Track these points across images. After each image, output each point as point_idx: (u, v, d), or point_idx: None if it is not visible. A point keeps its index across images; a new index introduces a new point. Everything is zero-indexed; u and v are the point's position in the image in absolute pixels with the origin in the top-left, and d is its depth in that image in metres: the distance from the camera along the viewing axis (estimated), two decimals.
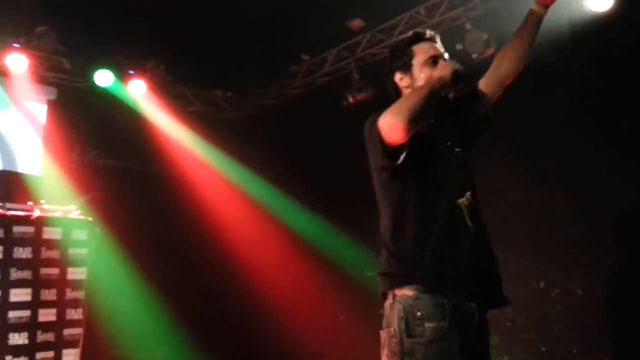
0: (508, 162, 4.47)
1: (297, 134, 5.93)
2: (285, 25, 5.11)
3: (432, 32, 2.28)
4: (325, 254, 5.29)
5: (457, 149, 2.16)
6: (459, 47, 4.56)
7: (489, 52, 4.48)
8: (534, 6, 2.30)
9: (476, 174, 2.28)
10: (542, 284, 4.34)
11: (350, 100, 5.42)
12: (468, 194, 2.11)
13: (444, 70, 2.12)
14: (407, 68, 2.23)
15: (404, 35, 2.33)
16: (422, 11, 5.01)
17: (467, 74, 2.12)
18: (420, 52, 2.22)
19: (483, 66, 4.46)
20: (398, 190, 2.11)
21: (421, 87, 2.08)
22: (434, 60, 2.20)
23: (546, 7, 2.30)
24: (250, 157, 5.86)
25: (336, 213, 5.30)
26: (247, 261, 5.62)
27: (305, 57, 5.91)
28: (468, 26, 4.59)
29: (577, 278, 4.17)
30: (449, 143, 2.16)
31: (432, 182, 2.08)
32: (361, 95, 5.38)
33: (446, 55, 2.26)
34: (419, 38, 2.26)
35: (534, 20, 2.31)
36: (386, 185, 2.14)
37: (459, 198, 2.08)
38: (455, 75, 2.09)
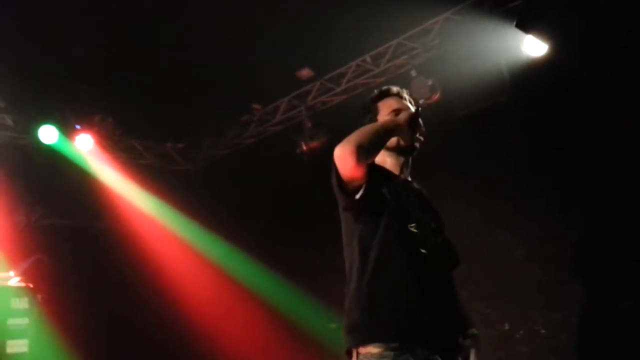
0: (462, 206, 4.54)
1: (251, 184, 5.87)
2: (234, 75, 5.12)
3: (398, 88, 2.35)
4: (282, 309, 5.15)
5: (432, 210, 2.21)
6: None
7: (435, 97, 4.61)
8: None
9: None
10: (506, 326, 4.35)
11: (304, 147, 5.45)
12: (443, 251, 2.12)
13: (400, 116, 2.21)
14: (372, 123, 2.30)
15: (373, 93, 2.40)
16: (368, 59, 5.13)
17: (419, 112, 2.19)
18: (384, 108, 2.30)
19: (430, 111, 4.64)
20: (365, 231, 2.07)
21: (375, 124, 2.18)
22: (396, 113, 2.27)
23: None
24: (203, 209, 5.73)
25: (290, 265, 5.21)
26: (202, 320, 5.41)
27: (256, 106, 5.92)
28: (413, 73, 4.72)
29: (539, 319, 4.20)
30: (423, 203, 2.20)
31: (403, 232, 2.06)
32: (314, 143, 5.41)
33: (412, 108, 2.31)
34: (385, 94, 2.33)
35: None
36: (350, 222, 2.11)
37: (432, 253, 2.06)
38: (412, 120, 2.16)
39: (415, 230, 2.06)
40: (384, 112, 2.28)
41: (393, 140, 2.21)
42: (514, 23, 3.67)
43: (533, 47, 4.01)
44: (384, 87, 2.37)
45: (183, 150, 6.49)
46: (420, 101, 4.68)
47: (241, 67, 4.98)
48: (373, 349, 1.94)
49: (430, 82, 4.61)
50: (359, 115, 2.37)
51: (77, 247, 5.38)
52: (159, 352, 5.29)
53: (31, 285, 4.17)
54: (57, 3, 4.18)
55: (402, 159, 2.24)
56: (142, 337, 5.27)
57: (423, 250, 2.03)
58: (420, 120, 2.20)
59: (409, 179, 2.29)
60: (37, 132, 5.27)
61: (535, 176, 4.20)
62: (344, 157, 1.94)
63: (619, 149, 3.77)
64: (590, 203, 3.93)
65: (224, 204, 5.80)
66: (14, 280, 4.15)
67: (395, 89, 2.34)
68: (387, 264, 2.02)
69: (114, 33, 4.60)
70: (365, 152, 1.95)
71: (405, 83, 4.77)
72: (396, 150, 2.24)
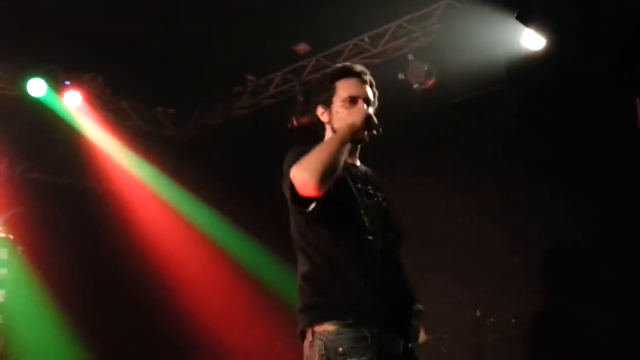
0: (446, 191, 4.58)
1: (240, 155, 5.85)
2: (231, 46, 5.07)
3: (362, 68, 2.23)
4: (263, 280, 5.18)
5: (378, 194, 2.18)
6: (400, 76, 4.68)
7: (430, 82, 4.62)
8: None
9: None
10: (478, 313, 4.42)
11: (295, 123, 5.44)
12: (389, 235, 2.13)
13: (356, 116, 2.09)
14: (327, 104, 2.19)
15: (332, 67, 2.30)
16: (367, 39, 5.12)
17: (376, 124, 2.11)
18: (342, 89, 2.17)
19: (424, 96, 4.65)
20: (315, 228, 2.08)
21: (332, 140, 2.05)
22: (353, 99, 2.16)
23: None
24: (190, 176, 5.72)
25: (276, 239, 5.22)
26: (180, 285, 5.42)
27: (250, 77, 5.88)
28: (410, 57, 4.72)
29: (511, 307, 4.28)
30: (369, 188, 2.18)
31: (351, 223, 2.08)
32: (305, 119, 5.40)
33: (370, 94, 2.21)
34: (346, 72, 2.21)
35: None
36: (300, 221, 2.10)
37: (379, 238, 2.09)
38: (368, 121, 2.08)
39: (363, 219, 2.08)
40: (341, 94, 2.15)
41: None
42: (515, 15, 3.68)
43: (532, 39, 4.04)
44: (346, 64, 2.24)
45: (174, 116, 6.43)
46: (415, 85, 4.70)
47: (239, 36, 4.94)
48: (329, 327, 1.95)
49: (426, 67, 4.62)
50: (314, 91, 2.25)
51: (60, 202, 5.37)
52: (135, 307, 5.31)
53: (11, 237, 4.13)
54: None
55: (350, 146, 2.14)
56: (119, 292, 5.29)
57: (370, 237, 2.06)
58: (375, 119, 2.10)
59: (357, 163, 2.25)
60: (25, 85, 5.20)
61: (523, 166, 4.25)
62: (306, 186, 1.92)
63: (610, 142, 3.83)
64: (575, 196, 4.00)
65: (211, 174, 5.78)
66: None
67: (358, 68, 2.21)
68: (337, 248, 2.05)
69: None
70: (328, 179, 1.93)
71: (401, 66, 4.79)
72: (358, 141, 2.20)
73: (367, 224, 2.08)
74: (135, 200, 5.62)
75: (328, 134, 2.23)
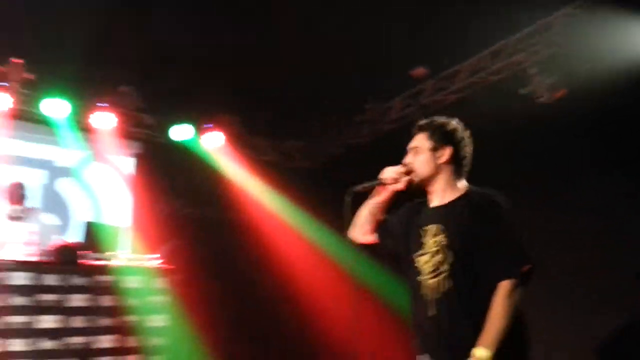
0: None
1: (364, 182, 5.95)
2: (349, 75, 5.22)
3: (424, 122, 2.43)
4: (390, 300, 5.19)
5: (443, 231, 2.29)
6: (522, 91, 4.54)
7: (556, 95, 4.42)
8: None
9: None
10: None
11: None
12: (444, 272, 2.24)
13: (380, 197, 2.55)
14: None
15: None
16: (484, 57, 5.00)
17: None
18: (413, 140, 2.46)
19: (549, 110, 4.42)
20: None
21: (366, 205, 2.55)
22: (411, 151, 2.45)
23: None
24: (322, 207, 5.95)
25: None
26: (320, 314, 5.58)
27: (370, 105, 6.01)
28: (532, 70, 4.56)
29: None
30: (437, 226, 2.31)
31: (407, 264, 2.37)
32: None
33: (418, 142, 2.40)
34: (417, 129, 2.45)
35: None
36: None
37: (428, 277, 2.27)
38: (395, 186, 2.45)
39: (415, 260, 2.31)
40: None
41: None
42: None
43: None
44: (420, 122, 2.45)
45: (303, 148, 6.75)
46: (539, 99, 4.52)
47: (355, 66, 5.05)
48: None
49: (550, 80, 4.44)
50: None
51: (208, 234, 5.87)
52: (274, 325, 5.65)
53: (171, 267, 4.59)
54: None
55: (425, 191, 2.42)
56: (260, 313, 5.64)
57: (419, 279, 2.29)
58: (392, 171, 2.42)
59: (434, 203, 2.37)
60: (173, 130, 5.79)
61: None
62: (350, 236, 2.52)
63: None
64: None
65: (336, 200, 5.97)
66: (156, 262, 4.60)
67: (421, 123, 2.42)
68: (408, 287, 2.38)
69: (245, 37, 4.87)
70: (358, 233, 2.51)
71: (522, 81, 4.62)
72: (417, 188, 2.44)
73: (416, 264, 2.31)
74: (272, 229, 5.94)
75: None
